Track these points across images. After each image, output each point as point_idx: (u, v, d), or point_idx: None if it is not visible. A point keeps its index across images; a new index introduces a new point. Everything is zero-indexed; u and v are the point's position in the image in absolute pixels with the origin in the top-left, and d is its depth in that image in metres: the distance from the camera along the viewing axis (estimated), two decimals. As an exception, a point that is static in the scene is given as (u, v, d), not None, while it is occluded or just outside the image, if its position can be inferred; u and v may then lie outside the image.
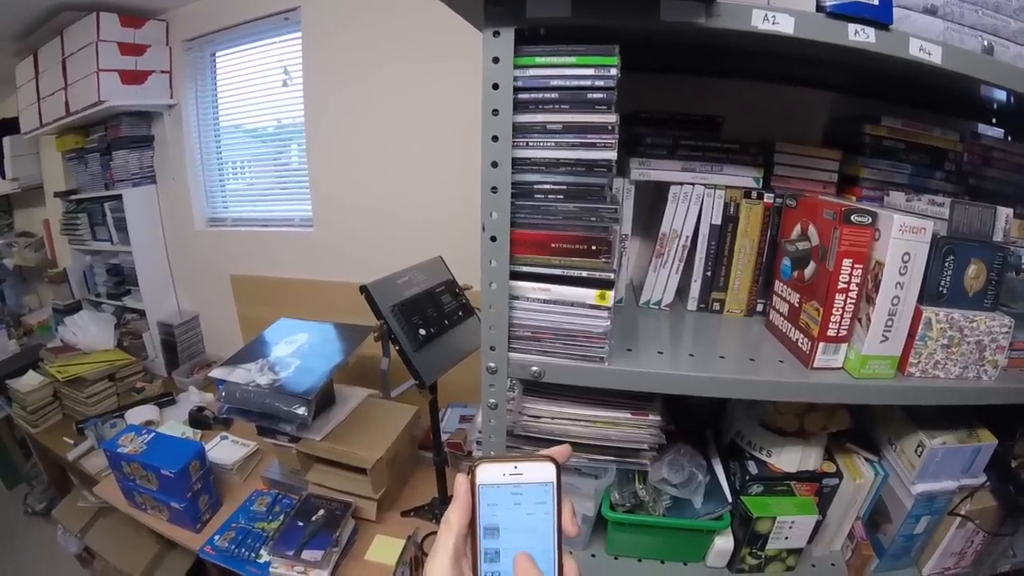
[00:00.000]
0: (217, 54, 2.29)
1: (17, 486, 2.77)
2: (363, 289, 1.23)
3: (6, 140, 2.84)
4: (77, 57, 2.11)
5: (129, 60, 2.10)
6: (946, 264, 0.75)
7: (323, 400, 1.64)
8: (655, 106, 1.00)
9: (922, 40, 0.65)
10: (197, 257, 2.52)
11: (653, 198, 1.04)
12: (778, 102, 1.07)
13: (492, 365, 0.77)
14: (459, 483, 0.42)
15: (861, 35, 0.64)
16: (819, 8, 0.64)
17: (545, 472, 0.42)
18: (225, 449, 1.77)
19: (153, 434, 1.57)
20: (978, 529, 0.91)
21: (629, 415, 0.83)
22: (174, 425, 1.94)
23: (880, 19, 0.64)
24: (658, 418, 0.83)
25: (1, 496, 2.74)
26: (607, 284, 0.71)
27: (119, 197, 2.35)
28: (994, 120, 1.09)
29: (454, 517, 0.41)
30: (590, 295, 0.71)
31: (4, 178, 2.95)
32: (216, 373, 1.63)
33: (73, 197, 2.61)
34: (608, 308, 0.71)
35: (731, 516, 0.95)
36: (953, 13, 0.70)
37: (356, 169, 1.99)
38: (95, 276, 2.72)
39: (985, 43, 0.71)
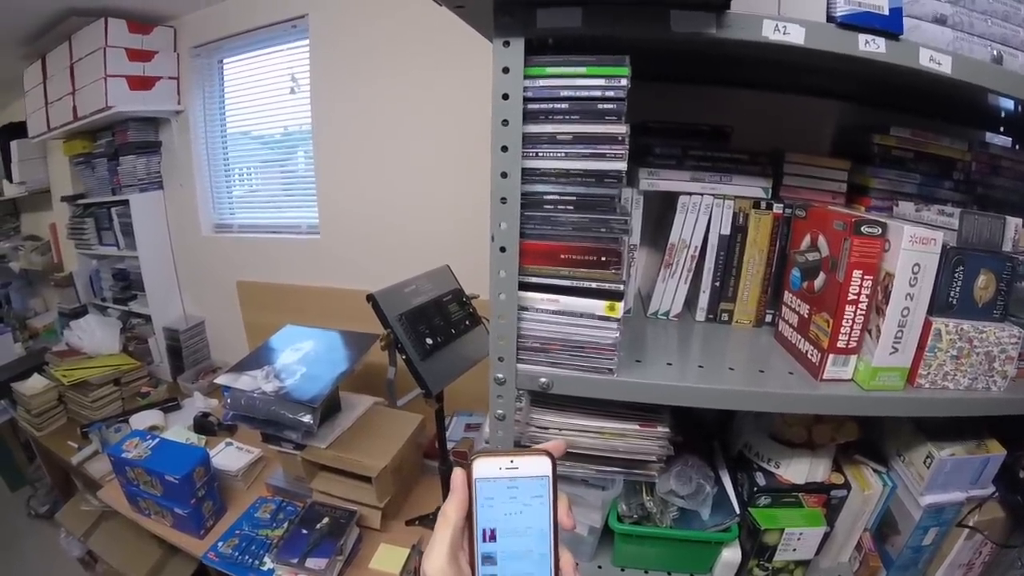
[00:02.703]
0: (225, 61, 2.30)
1: (21, 488, 2.77)
2: (370, 298, 1.23)
3: (14, 144, 2.86)
4: (85, 62, 2.13)
5: (137, 66, 2.12)
6: (956, 275, 0.75)
7: (329, 408, 1.64)
8: (664, 115, 1.00)
9: (932, 50, 0.65)
10: (203, 263, 2.53)
11: (661, 208, 1.03)
12: (787, 112, 1.07)
13: (500, 376, 0.76)
14: (456, 477, 0.42)
15: (871, 45, 0.64)
16: (829, 19, 0.64)
17: (541, 466, 0.42)
18: (230, 455, 1.77)
19: (158, 439, 1.58)
20: (986, 540, 0.91)
21: (637, 427, 0.83)
22: (179, 431, 1.94)
23: (890, 29, 0.64)
24: (666, 430, 0.82)
25: (5, 499, 2.74)
26: (616, 295, 0.70)
27: (126, 202, 2.36)
28: (1002, 129, 1.09)
29: (451, 511, 0.41)
30: (599, 306, 0.71)
31: (11, 181, 2.98)
32: (222, 380, 1.64)
33: (80, 202, 2.62)
34: (617, 319, 0.71)
35: (738, 528, 0.94)
36: (963, 23, 0.70)
37: (363, 176, 1.99)
38: (101, 280, 2.73)
39: (994, 52, 0.71)
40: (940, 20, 0.69)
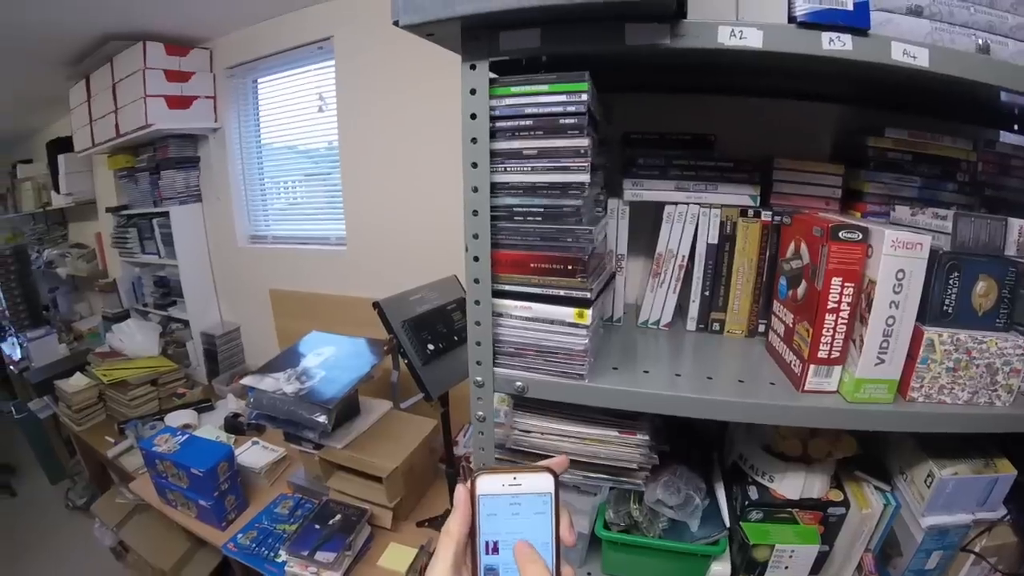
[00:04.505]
0: (259, 80, 2.42)
1: (61, 482, 2.94)
2: (376, 305, 1.28)
3: (61, 158, 3.07)
4: (126, 83, 2.26)
5: (175, 86, 2.24)
6: (950, 281, 0.71)
7: (346, 410, 1.69)
8: (655, 126, 1.00)
9: (906, 43, 0.63)
10: (239, 272, 2.64)
11: (656, 218, 1.03)
12: (782, 118, 1.04)
13: (479, 379, 0.79)
14: (459, 493, 0.43)
15: (836, 43, 0.62)
16: (791, 19, 0.62)
17: (543, 483, 0.43)
18: (255, 454, 1.85)
19: (187, 436, 1.67)
20: (995, 568, 0.86)
21: (616, 433, 0.83)
22: (209, 429, 2.03)
23: (856, 25, 0.62)
24: (646, 438, 0.82)
25: (45, 491, 2.92)
26: (585, 303, 0.72)
27: (166, 214, 2.50)
28: (1016, 127, 1.02)
29: (454, 527, 0.42)
30: (568, 313, 0.72)
31: (59, 193, 3.20)
32: (247, 381, 1.71)
33: (124, 212, 2.78)
34: (586, 326, 0.72)
35: (729, 542, 0.92)
36: (941, 12, 0.66)
37: (387, 190, 2.04)
38: (143, 287, 2.89)
39: (980, 42, 0.67)
40: (915, 11, 0.65)
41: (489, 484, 0.43)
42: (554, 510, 0.42)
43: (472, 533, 0.42)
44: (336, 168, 2.20)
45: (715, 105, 1.02)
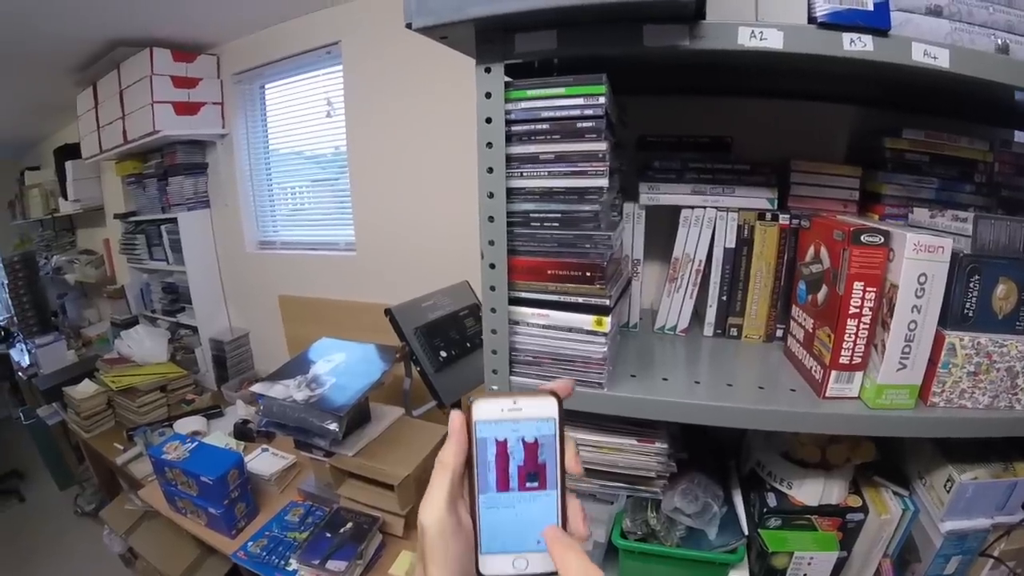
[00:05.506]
0: (266, 86, 2.42)
1: (69, 488, 2.95)
2: (388, 312, 1.27)
3: (69, 164, 3.10)
4: (133, 89, 2.27)
5: (182, 92, 2.26)
6: (971, 284, 0.70)
7: (357, 417, 1.68)
8: (669, 129, 0.99)
9: (926, 44, 0.62)
10: (248, 278, 2.65)
11: (672, 222, 1.02)
12: (800, 119, 1.03)
13: (495, 388, 0.78)
14: (454, 420, 0.38)
15: (857, 44, 0.61)
16: (811, 20, 0.62)
17: (547, 407, 0.38)
18: (265, 461, 1.85)
19: (196, 443, 1.67)
20: (1013, 572, 0.84)
21: (635, 442, 0.82)
22: (219, 436, 2.04)
23: (877, 25, 0.61)
24: (665, 446, 0.82)
25: (54, 497, 2.94)
26: (603, 310, 0.71)
27: (175, 220, 2.51)
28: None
29: (449, 457, 0.37)
30: (587, 321, 0.72)
31: (67, 199, 3.22)
32: (256, 388, 1.71)
33: (132, 219, 2.80)
34: (605, 334, 0.71)
35: (747, 550, 0.91)
36: (961, 12, 0.66)
37: (397, 195, 2.05)
38: (151, 293, 2.91)
39: (999, 42, 0.67)
40: (935, 11, 0.65)
41: (487, 410, 0.38)
42: (558, 437, 0.38)
43: (469, 463, 0.38)
44: (344, 173, 2.20)
45: (731, 107, 1.01)
